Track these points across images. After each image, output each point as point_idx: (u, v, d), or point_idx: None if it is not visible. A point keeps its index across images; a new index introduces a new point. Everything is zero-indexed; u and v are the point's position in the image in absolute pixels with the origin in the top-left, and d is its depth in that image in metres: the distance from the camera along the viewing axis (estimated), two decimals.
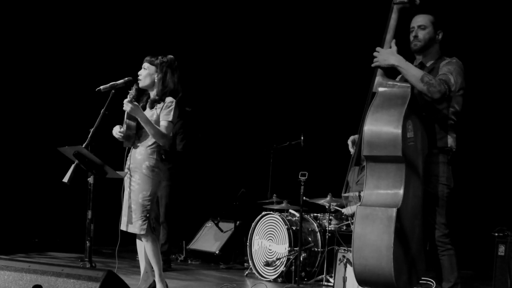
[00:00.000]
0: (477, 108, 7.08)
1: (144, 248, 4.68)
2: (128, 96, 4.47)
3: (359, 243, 3.68)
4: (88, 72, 8.00)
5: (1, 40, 7.71)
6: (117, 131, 4.61)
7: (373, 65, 3.90)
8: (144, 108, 4.63)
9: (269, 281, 6.22)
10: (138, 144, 4.60)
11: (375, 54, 3.90)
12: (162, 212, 6.65)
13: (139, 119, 4.48)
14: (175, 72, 4.68)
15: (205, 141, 8.16)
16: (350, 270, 5.03)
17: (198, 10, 8.89)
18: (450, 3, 6.93)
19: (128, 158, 4.63)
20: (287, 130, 7.73)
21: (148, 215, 4.55)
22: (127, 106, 4.44)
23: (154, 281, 4.74)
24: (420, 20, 4.03)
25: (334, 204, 6.14)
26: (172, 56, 4.72)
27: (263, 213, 6.60)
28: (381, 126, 3.68)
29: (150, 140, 4.57)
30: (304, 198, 5.96)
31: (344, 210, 6.08)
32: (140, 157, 4.56)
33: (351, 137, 4.18)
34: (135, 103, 4.47)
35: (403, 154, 3.63)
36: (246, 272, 6.61)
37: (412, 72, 3.83)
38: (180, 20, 8.88)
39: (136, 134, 4.60)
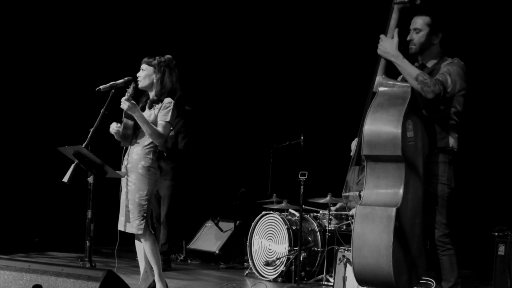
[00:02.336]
0: (477, 108, 7.08)
1: (143, 248, 4.68)
2: (126, 94, 4.47)
3: (358, 242, 3.68)
4: (88, 72, 8.00)
5: (1, 40, 7.70)
6: (114, 126, 4.61)
7: (378, 51, 3.92)
8: (143, 109, 4.63)
9: (269, 280, 6.22)
10: (136, 144, 4.61)
11: (379, 42, 3.91)
12: (164, 212, 6.65)
13: (136, 118, 4.48)
14: (173, 71, 4.68)
15: (205, 140, 8.16)
16: (350, 269, 5.03)
17: (198, 10, 8.89)
18: (451, 3, 6.93)
19: (125, 157, 4.63)
20: (287, 130, 7.73)
21: (145, 214, 4.55)
22: (124, 104, 4.45)
23: (153, 281, 4.75)
24: (416, 22, 4.03)
25: (335, 205, 6.15)
26: (169, 56, 4.72)
27: (263, 212, 6.60)
28: (381, 125, 3.68)
29: (146, 140, 4.58)
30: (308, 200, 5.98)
31: (351, 212, 6.04)
32: (136, 157, 4.57)
33: (354, 141, 4.17)
34: (133, 101, 4.47)
35: (402, 154, 3.64)
36: (246, 272, 6.61)
37: (408, 69, 3.83)
38: (180, 20, 8.88)
39: (133, 134, 4.60)
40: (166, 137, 4.69)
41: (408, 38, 4.02)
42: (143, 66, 4.68)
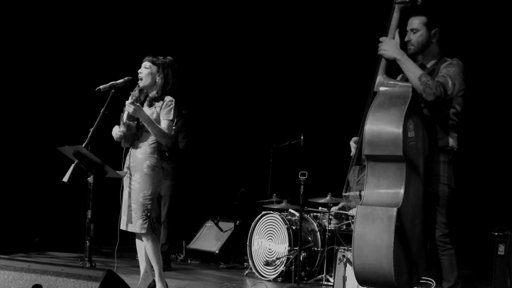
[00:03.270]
0: (477, 108, 7.08)
1: (144, 248, 4.68)
2: (130, 97, 4.48)
3: (359, 242, 3.67)
4: (88, 72, 8.00)
5: (1, 40, 7.70)
6: (117, 131, 4.61)
7: (379, 52, 3.91)
8: (141, 106, 4.63)
9: (269, 280, 6.22)
10: (139, 144, 4.60)
11: (379, 44, 3.91)
12: (164, 212, 6.65)
13: (141, 120, 4.48)
14: (175, 74, 4.70)
15: (205, 140, 8.16)
16: (350, 269, 5.03)
17: (197, 11, 8.89)
18: (450, 3, 6.93)
19: (128, 157, 4.63)
20: (287, 130, 7.73)
21: (148, 214, 4.55)
22: (129, 108, 4.44)
23: (154, 281, 4.75)
24: (412, 23, 4.03)
25: (335, 205, 6.15)
26: (171, 58, 4.74)
27: (263, 212, 6.60)
28: (382, 125, 3.68)
29: (150, 139, 4.58)
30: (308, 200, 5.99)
31: (350, 212, 6.05)
32: (141, 156, 4.56)
33: (353, 138, 4.16)
34: (138, 104, 4.48)
35: (404, 154, 3.63)
36: (246, 272, 6.61)
37: (412, 69, 3.83)
38: (180, 20, 8.88)
39: (135, 134, 4.60)
40: (171, 136, 4.69)
41: (406, 39, 4.02)
42: (147, 64, 4.66)
